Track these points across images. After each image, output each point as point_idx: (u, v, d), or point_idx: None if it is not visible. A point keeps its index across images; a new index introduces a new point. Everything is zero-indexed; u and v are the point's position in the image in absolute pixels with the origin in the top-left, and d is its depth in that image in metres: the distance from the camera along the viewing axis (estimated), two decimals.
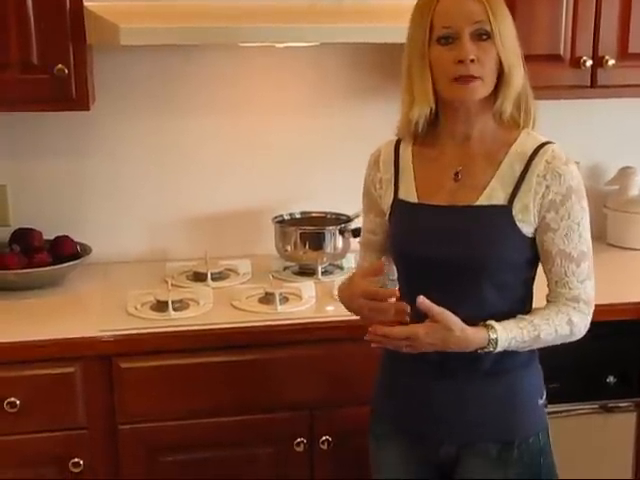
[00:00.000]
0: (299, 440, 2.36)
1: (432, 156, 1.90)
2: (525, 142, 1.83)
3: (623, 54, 2.66)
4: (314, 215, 2.88)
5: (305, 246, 2.72)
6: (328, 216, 2.85)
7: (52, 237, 2.72)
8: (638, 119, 3.13)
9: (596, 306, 2.31)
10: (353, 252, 2.77)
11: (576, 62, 2.63)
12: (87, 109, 2.46)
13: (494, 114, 1.83)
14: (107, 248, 2.82)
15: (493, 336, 1.75)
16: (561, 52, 2.63)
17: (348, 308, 1.91)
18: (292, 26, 2.38)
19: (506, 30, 1.76)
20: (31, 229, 2.71)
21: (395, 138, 1.98)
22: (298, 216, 2.88)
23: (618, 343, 2.48)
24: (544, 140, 1.84)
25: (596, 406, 2.51)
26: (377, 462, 2.04)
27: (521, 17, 2.55)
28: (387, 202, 1.95)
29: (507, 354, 1.81)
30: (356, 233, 2.71)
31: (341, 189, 2.87)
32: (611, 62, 2.63)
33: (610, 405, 2.51)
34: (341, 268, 2.79)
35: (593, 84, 2.67)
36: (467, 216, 1.82)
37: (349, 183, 2.78)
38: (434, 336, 1.74)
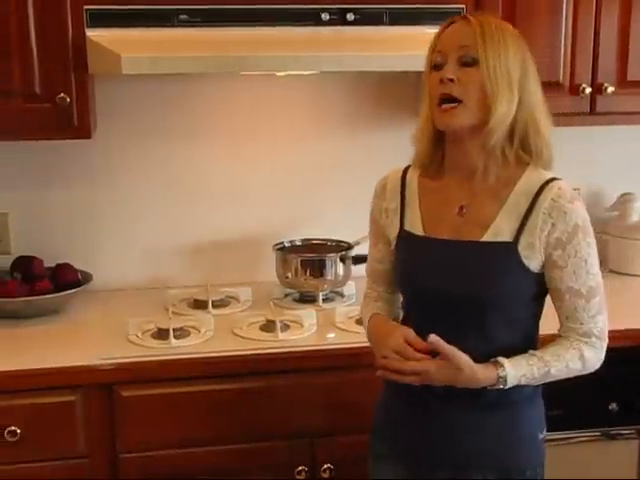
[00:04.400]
0: (300, 468, 2.35)
1: (437, 188, 1.91)
2: (531, 178, 1.83)
3: (622, 81, 2.67)
4: (315, 242, 2.88)
5: (306, 273, 2.72)
6: (329, 243, 2.85)
7: (53, 265, 2.72)
8: (637, 146, 3.14)
9: None
10: (354, 279, 2.77)
11: (575, 89, 2.65)
12: (89, 137, 2.47)
13: (483, 145, 1.80)
14: (108, 276, 2.82)
15: (502, 374, 1.77)
16: (560, 79, 2.64)
17: (372, 346, 1.94)
18: (293, 55, 2.39)
19: (497, 60, 1.75)
20: (32, 257, 2.71)
21: (402, 166, 1.99)
22: (299, 243, 2.88)
23: (620, 370, 2.46)
24: (550, 176, 1.83)
25: (598, 433, 2.50)
26: None
27: None
28: (393, 232, 1.96)
29: (512, 387, 1.80)
30: (357, 260, 2.71)
31: (342, 216, 2.88)
32: (610, 89, 2.64)
33: (612, 432, 2.49)
34: (342, 295, 2.79)
35: (592, 111, 2.68)
36: (473, 252, 1.83)
37: (350, 210, 2.79)
38: (444, 373, 1.76)
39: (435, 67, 1.81)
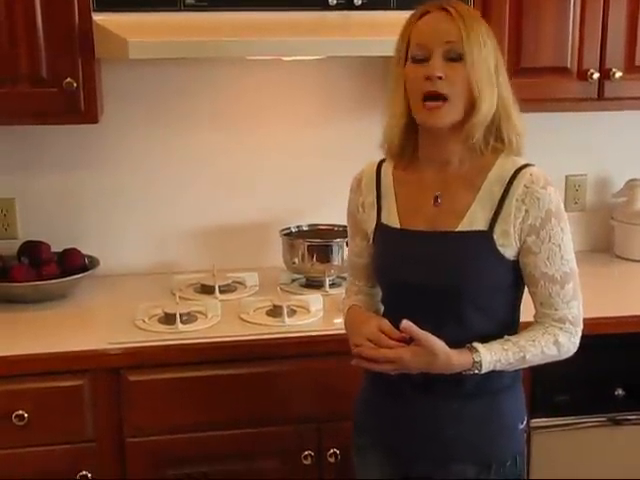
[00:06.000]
0: (307, 453, 2.35)
1: (412, 180, 1.90)
2: (504, 166, 1.82)
3: (630, 66, 2.66)
4: (322, 227, 2.89)
5: (312, 258, 2.72)
6: (335, 228, 2.84)
7: (60, 250, 2.73)
8: None
9: (604, 319, 2.32)
10: None
11: (583, 74, 2.63)
12: (96, 122, 2.47)
13: (464, 139, 1.80)
14: (115, 260, 2.83)
15: (477, 359, 1.76)
16: (568, 65, 2.63)
17: (348, 335, 1.92)
18: (299, 39, 2.39)
19: (480, 54, 1.74)
20: (39, 242, 2.71)
21: (377, 160, 1.99)
22: (306, 228, 2.89)
23: (626, 355, 2.47)
24: (523, 163, 1.83)
25: (604, 419, 2.49)
26: (359, 474, 2.05)
27: (528, 30, 2.57)
28: (370, 226, 1.96)
29: (490, 376, 1.80)
30: None
31: None
32: (618, 74, 2.63)
33: (619, 418, 2.49)
34: None
35: (600, 96, 2.67)
36: (449, 242, 1.82)
37: None
38: (419, 360, 1.75)
39: (416, 60, 1.77)
